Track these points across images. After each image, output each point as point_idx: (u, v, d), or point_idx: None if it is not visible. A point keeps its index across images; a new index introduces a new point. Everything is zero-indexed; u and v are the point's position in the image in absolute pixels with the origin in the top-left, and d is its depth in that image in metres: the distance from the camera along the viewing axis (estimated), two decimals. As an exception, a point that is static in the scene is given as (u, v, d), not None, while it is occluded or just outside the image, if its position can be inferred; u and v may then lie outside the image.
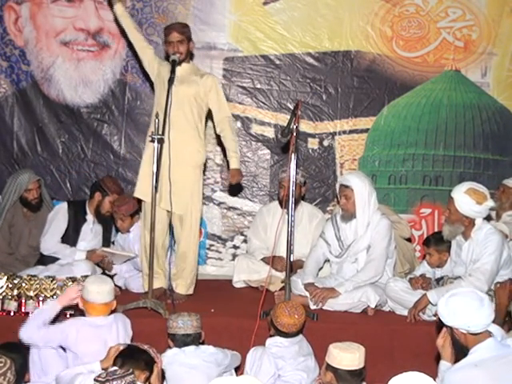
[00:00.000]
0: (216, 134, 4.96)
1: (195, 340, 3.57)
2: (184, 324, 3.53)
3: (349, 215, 4.64)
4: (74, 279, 4.26)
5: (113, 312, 3.68)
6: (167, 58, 4.66)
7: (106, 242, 5.11)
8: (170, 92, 4.36)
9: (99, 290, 3.52)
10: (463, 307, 2.84)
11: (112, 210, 4.90)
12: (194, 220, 4.67)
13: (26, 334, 3.55)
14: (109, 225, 5.11)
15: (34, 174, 5.15)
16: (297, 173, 4.41)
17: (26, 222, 5.08)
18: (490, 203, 4.21)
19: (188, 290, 4.77)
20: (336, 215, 4.82)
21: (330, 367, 3.11)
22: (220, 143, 5.97)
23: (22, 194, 5.05)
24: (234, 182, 4.67)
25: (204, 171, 4.83)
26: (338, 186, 4.74)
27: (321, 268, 4.87)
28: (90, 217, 4.97)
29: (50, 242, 4.86)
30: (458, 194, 4.22)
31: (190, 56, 4.73)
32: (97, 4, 5.91)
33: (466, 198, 4.17)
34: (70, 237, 4.90)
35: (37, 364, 3.61)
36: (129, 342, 3.55)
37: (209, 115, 4.77)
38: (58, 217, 4.90)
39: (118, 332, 3.56)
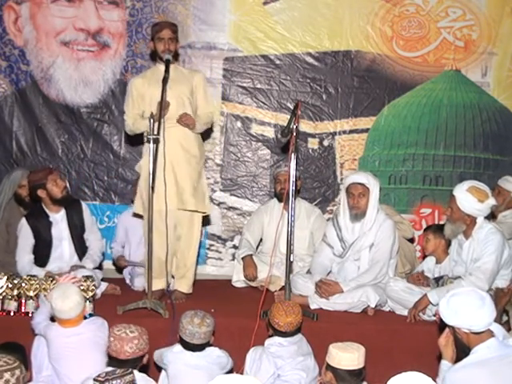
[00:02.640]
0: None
1: (201, 347, 3.50)
2: (191, 334, 3.44)
3: (361, 214, 4.62)
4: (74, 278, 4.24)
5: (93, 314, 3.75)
6: (152, 55, 4.61)
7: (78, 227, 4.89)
8: (164, 91, 4.27)
9: (61, 309, 3.48)
10: (465, 307, 2.84)
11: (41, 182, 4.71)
12: (197, 218, 4.67)
13: (35, 319, 3.75)
14: (71, 206, 4.87)
15: (28, 171, 5.14)
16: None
17: None
18: (492, 201, 4.20)
19: (190, 289, 4.78)
20: (336, 216, 4.81)
21: (329, 367, 3.11)
22: (219, 143, 6.00)
23: (16, 191, 5.03)
24: (181, 118, 4.43)
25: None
26: (347, 184, 4.68)
27: (329, 272, 4.83)
28: (53, 216, 4.77)
29: (22, 261, 4.67)
30: (459, 192, 4.22)
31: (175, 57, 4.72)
32: (97, 4, 5.90)
33: (468, 196, 4.17)
34: (50, 246, 4.72)
35: (36, 359, 3.62)
36: (104, 345, 3.55)
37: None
38: (22, 234, 4.71)
39: (88, 339, 3.53)
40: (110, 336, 3.20)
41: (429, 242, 4.62)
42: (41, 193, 4.70)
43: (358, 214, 4.64)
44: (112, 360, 3.20)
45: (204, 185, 4.70)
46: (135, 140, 5.00)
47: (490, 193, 4.24)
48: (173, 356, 3.52)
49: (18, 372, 2.53)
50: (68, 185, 5.86)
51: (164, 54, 4.46)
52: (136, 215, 4.84)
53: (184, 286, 4.74)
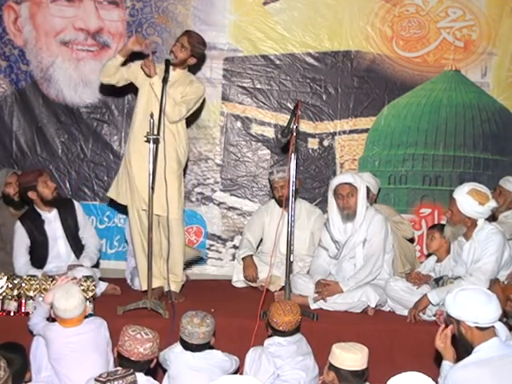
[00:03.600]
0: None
1: (200, 348, 3.50)
2: (190, 333, 3.46)
3: (352, 214, 4.63)
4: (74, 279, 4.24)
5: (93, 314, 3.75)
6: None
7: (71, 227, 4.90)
8: (164, 91, 4.30)
9: (65, 308, 3.48)
10: (472, 300, 2.86)
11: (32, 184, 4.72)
12: (180, 219, 4.67)
13: (32, 320, 3.73)
14: (63, 205, 4.87)
15: (12, 169, 5.13)
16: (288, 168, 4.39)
17: (14, 222, 5.01)
18: (493, 204, 4.20)
19: (180, 288, 4.79)
20: (328, 220, 4.81)
21: (332, 367, 3.11)
22: (219, 143, 6.00)
23: (4, 191, 5.03)
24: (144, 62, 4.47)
25: (185, 171, 4.81)
26: (335, 186, 4.67)
27: (329, 274, 4.83)
28: (45, 215, 4.78)
29: (19, 263, 4.69)
30: (460, 195, 4.21)
31: (187, 67, 4.69)
32: (97, 4, 5.90)
33: (469, 199, 4.17)
34: (47, 245, 4.74)
35: (35, 360, 3.62)
36: (104, 344, 3.59)
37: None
38: (17, 237, 4.72)
39: (88, 339, 3.54)
40: (124, 335, 3.21)
41: (434, 240, 4.61)
42: (31, 195, 4.72)
43: (349, 214, 4.65)
44: (123, 359, 3.21)
45: (182, 193, 4.71)
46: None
47: (490, 195, 4.24)
48: (174, 356, 3.53)
49: (2, 363, 2.56)
50: (68, 185, 5.91)
51: (170, 54, 4.52)
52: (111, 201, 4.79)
53: (175, 284, 4.72)
